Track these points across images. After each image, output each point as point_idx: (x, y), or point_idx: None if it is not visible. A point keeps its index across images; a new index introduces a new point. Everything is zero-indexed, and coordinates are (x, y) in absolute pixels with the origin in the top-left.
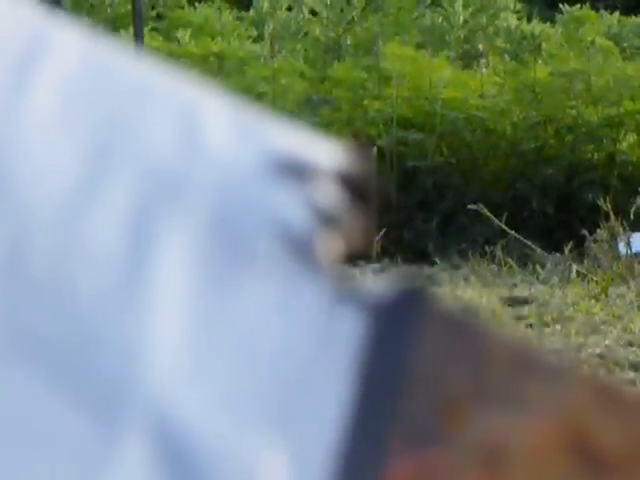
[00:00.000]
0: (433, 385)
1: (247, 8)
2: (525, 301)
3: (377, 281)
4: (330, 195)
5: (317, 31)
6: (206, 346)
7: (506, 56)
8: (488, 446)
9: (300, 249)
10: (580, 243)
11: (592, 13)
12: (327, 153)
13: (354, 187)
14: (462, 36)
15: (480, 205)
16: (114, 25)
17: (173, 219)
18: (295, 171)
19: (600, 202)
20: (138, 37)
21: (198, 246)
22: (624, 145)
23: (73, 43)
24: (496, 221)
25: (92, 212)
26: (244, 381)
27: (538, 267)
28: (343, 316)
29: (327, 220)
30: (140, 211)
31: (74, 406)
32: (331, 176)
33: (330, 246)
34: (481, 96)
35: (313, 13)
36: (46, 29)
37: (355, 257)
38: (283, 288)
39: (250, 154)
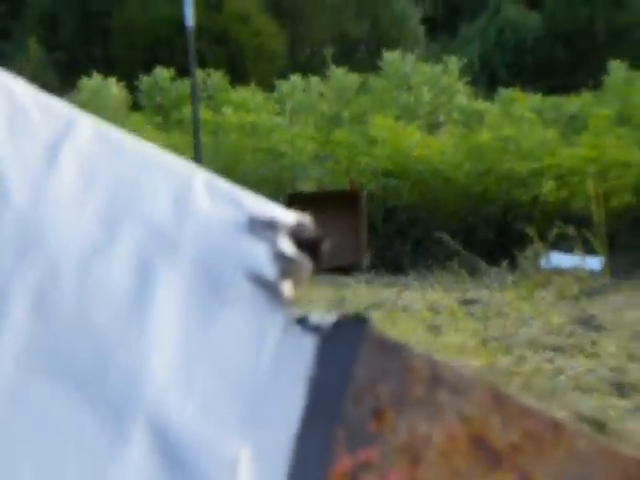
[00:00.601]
0: (368, 396)
1: (273, 90)
2: (474, 301)
3: (326, 311)
4: (288, 246)
5: (323, 107)
6: (192, 364)
7: (460, 125)
8: (411, 444)
9: (267, 288)
10: (513, 260)
11: (521, 94)
12: (285, 216)
13: (305, 240)
14: (428, 111)
15: (441, 232)
16: (178, 103)
17: (169, 265)
18: (262, 227)
19: (527, 230)
20: (195, 112)
21: (187, 285)
22: (545, 189)
23: (89, 125)
24: (453, 244)
25: (106, 259)
26: (222, 392)
27: (484, 277)
28: (298, 339)
29: (287, 265)
30: (143, 259)
31: (91, 411)
32: (288, 232)
33: (289, 285)
34: (442, 154)
35: (320, 94)
36: (68, 116)
37: (351, 269)
38: (253, 318)
39: (228, 214)
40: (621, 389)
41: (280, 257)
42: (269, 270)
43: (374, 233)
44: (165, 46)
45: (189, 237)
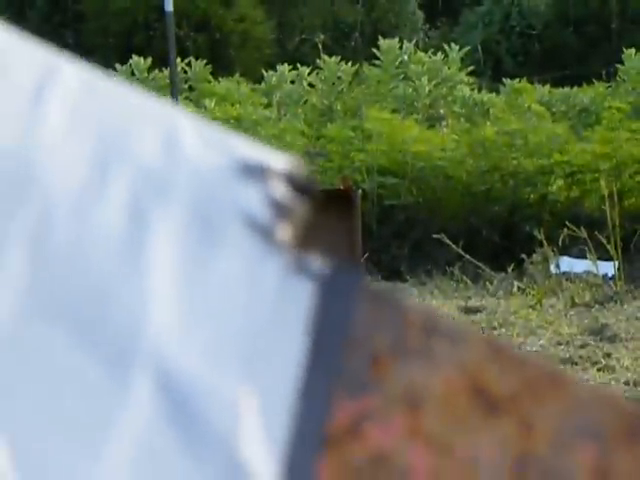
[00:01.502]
0: (365, 344)
1: (259, 82)
2: (477, 310)
3: (321, 257)
4: (282, 191)
5: (314, 99)
6: (191, 305)
7: (462, 119)
8: (409, 392)
9: (261, 233)
10: (520, 265)
11: (528, 85)
12: (278, 160)
13: (298, 185)
14: (427, 103)
15: (442, 235)
16: (156, 95)
17: (162, 207)
18: (255, 172)
19: (535, 233)
20: (174, 104)
21: (182, 229)
22: (554, 188)
23: (76, 73)
24: (454, 247)
25: (99, 202)
26: (222, 333)
27: (487, 283)
28: (296, 285)
29: (281, 209)
30: (137, 202)
31: (92, 352)
32: (282, 177)
33: (284, 230)
34: (442, 150)
35: (311, 85)
36: (55, 62)
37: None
38: (249, 262)
39: (219, 160)
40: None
41: (273, 201)
42: (263, 214)
43: (369, 235)
44: (142, 33)
45: (180, 182)
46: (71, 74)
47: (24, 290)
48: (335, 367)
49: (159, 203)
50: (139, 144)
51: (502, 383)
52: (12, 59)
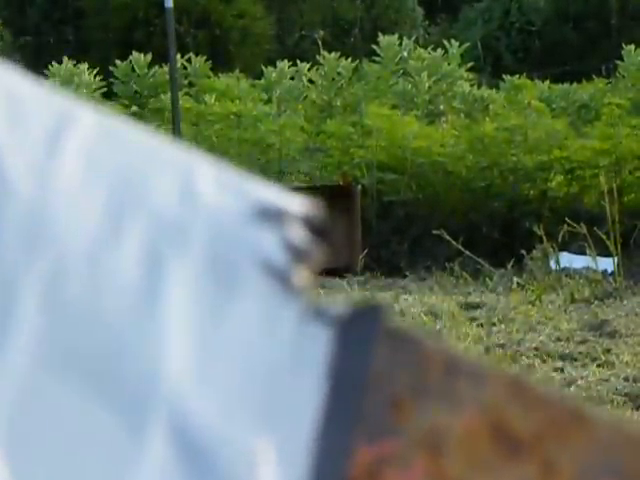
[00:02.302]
0: (385, 387)
1: (259, 77)
2: (477, 306)
3: (340, 300)
4: (298, 234)
5: (314, 95)
6: (208, 354)
7: (461, 115)
8: (430, 435)
9: (278, 277)
10: (519, 261)
11: (528, 81)
12: (295, 203)
13: (314, 228)
14: (427, 99)
15: (442, 231)
16: (155, 91)
17: (178, 255)
18: (271, 216)
19: (535, 228)
20: (174, 100)
21: (198, 276)
22: (553, 184)
23: (91, 120)
24: (454, 243)
25: (114, 250)
26: (239, 381)
27: (487, 279)
28: (314, 330)
29: (297, 253)
30: (152, 249)
31: (107, 406)
32: (298, 220)
33: (301, 274)
34: (442, 146)
35: (311, 81)
36: (68, 106)
37: (344, 271)
38: (266, 308)
39: (235, 204)
40: (637, 401)
41: (290, 246)
42: (280, 259)
43: (368, 231)
44: (142, 29)
45: (197, 228)
46: (86, 121)
47: (38, 342)
48: (354, 412)
49: (175, 251)
50: (155, 191)
51: (525, 423)
52: (27, 106)
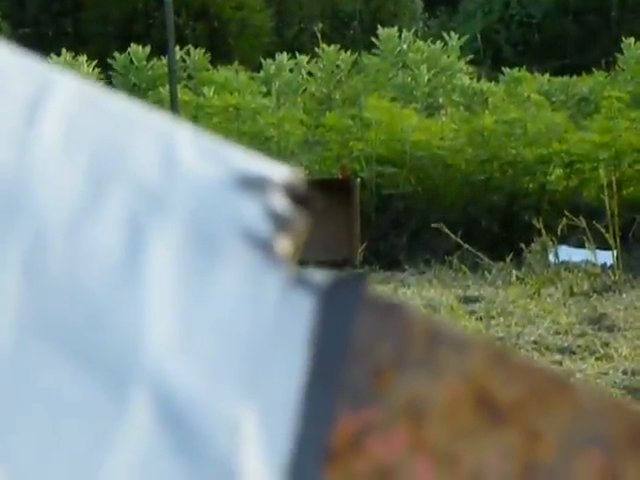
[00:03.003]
0: (367, 356)
1: (258, 70)
2: (476, 299)
3: (322, 270)
4: (280, 203)
5: (313, 88)
6: (190, 325)
7: (461, 108)
8: (412, 404)
9: (260, 246)
10: (518, 254)
11: (528, 74)
12: (277, 171)
13: (297, 196)
14: (426, 92)
15: (441, 224)
16: (154, 83)
17: (159, 223)
18: (254, 185)
19: (534, 222)
20: (173, 93)
21: (179, 245)
22: (553, 177)
23: (71, 85)
24: (453, 237)
25: (95, 219)
26: (222, 350)
27: (486, 273)
28: (297, 298)
29: (280, 222)
30: (133, 218)
31: (90, 375)
32: (281, 188)
33: (284, 242)
34: (441, 139)
35: (310, 74)
36: (50, 76)
37: (343, 264)
38: (249, 277)
39: (217, 172)
40: (636, 394)
41: (273, 214)
42: (262, 228)
43: (367, 224)
44: (141, 21)
45: (178, 197)
46: (66, 89)
47: (20, 314)
48: (337, 380)
49: (156, 219)
50: (136, 159)
51: (507, 391)
52: (7, 75)
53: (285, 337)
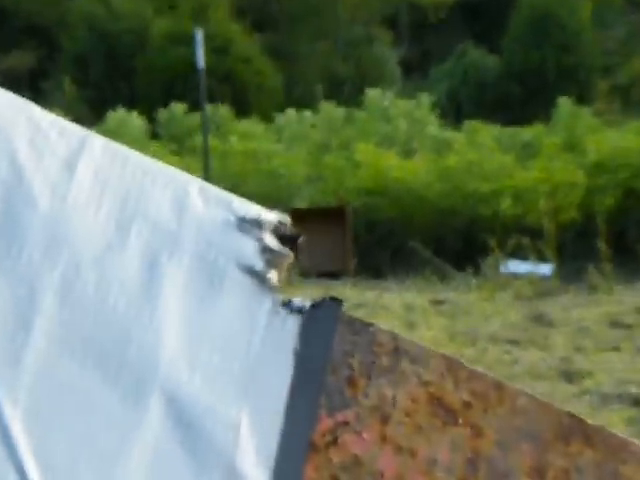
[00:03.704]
0: (342, 366)
1: (272, 122)
2: (444, 302)
3: (305, 294)
4: (273, 240)
5: (315, 136)
6: (197, 342)
7: (431, 151)
8: (380, 406)
9: (256, 277)
10: (477, 266)
11: (483, 125)
12: (268, 215)
13: (286, 235)
14: (404, 139)
15: (416, 243)
16: (190, 133)
17: (173, 257)
18: (250, 225)
19: (489, 241)
20: (205, 140)
21: (189, 276)
22: (504, 206)
23: (102, 146)
24: (426, 252)
25: (119, 255)
26: (222, 365)
27: (452, 281)
28: (284, 319)
29: (272, 256)
30: (151, 254)
31: (113, 385)
32: (272, 229)
33: (274, 273)
34: (415, 176)
35: (312, 125)
36: (81, 134)
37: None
38: (245, 302)
39: (220, 215)
40: (568, 376)
41: (266, 250)
42: (257, 261)
43: (358, 243)
44: (180, 84)
45: (188, 235)
46: (98, 146)
47: (56, 328)
48: (318, 387)
49: (170, 254)
50: (154, 204)
51: (456, 395)
52: (48, 134)
53: (274, 351)
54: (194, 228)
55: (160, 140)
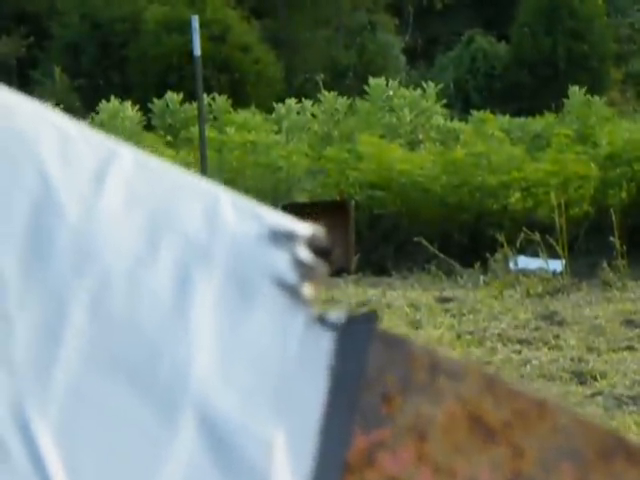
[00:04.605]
0: (377, 383)
1: (271, 112)
2: (450, 299)
3: (341, 307)
4: (305, 254)
5: (316, 127)
6: (230, 358)
7: (437, 143)
8: (416, 424)
9: (289, 291)
10: (485, 262)
11: (491, 116)
12: (302, 227)
13: (318, 248)
14: (408, 130)
15: (421, 238)
16: (186, 124)
17: (204, 271)
18: (283, 238)
19: (497, 236)
20: (202, 131)
21: (221, 291)
22: (512, 200)
23: (131, 156)
24: (431, 248)
25: (151, 269)
26: (256, 382)
27: (458, 278)
28: (318, 335)
29: (305, 270)
30: (182, 267)
31: (145, 400)
32: (305, 241)
33: (308, 287)
34: (421, 168)
35: (313, 115)
36: (111, 146)
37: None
38: (278, 317)
39: (252, 228)
40: (580, 377)
41: (299, 263)
42: (290, 275)
43: (361, 238)
44: (175, 73)
45: (220, 249)
46: (126, 158)
47: (87, 344)
48: (352, 406)
49: (202, 267)
50: (184, 218)
51: (496, 413)
52: (78, 146)
53: (308, 367)
54: (226, 242)
55: (154, 131)
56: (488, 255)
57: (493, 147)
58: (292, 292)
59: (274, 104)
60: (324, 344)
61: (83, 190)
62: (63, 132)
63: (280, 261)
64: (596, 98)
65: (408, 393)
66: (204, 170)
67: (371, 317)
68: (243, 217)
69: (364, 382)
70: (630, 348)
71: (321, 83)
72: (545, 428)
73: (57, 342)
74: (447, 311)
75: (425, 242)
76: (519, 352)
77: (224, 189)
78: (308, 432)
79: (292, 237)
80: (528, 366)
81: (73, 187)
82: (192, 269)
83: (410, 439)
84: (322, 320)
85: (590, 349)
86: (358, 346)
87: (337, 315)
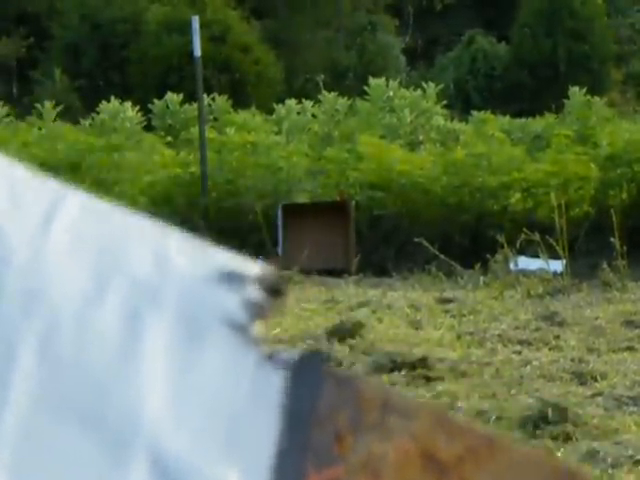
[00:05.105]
0: (329, 422)
1: (271, 113)
2: (450, 300)
3: (291, 348)
4: (255, 293)
5: (316, 127)
6: (181, 398)
7: (437, 143)
8: (369, 462)
9: (239, 330)
10: (485, 263)
11: (492, 116)
12: (252, 266)
13: (269, 287)
14: (409, 131)
15: (421, 239)
16: (186, 124)
17: (154, 311)
18: (232, 279)
19: (497, 237)
20: (202, 132)
21: (171, 331)
22: (513, 200)
23: (78, 201)
24: (431, 249)
25: (100, 311)
26: (207, 421)
27: (459, 278)
28: (269, 374)
29: (255, 310)
30: (132, 310)
31: (95, 442)
32: (255, 281)
33: (258, 326)
34: (421, 169)
35: (313, 116)
36: (59, 191)
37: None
38: (229, 357)
39: (202, 269)
40: (581, 378)
41: (249, 303)
42: (240, 315)
43: (361, 239)
44: (175, 74)
45: (169, 291)
46: (74, 200)
47: (36, 387)
48: (304, 444)
49: (151, 309)
50: (133, 259)
51: (448, 449)
52: (25, 190)
53: (260, 406)
54: (175, 283)
55: (155, 132)
56: (488, 256)
57: (493, 148)
58: (242, 332)
59: (274, 105)
60: (275, 383)
61: (30, 232)
62: (11, 176)
63: (229, 301)
64: (596, 99)
65: (359, 432)
66: (204, 170)
67: (322, 356)
68: (192, 258)
69: (316, 421)
70: (630, 349)
71: (321, 84)
72: (496, 464)
73: (6, 386)
74: (447, 312)
75: (425, 243)
76: (519, 353)
77: (172, 230)
78: (261, 471)
79: (242, 277)
80: (528, 367)
81: (21, 231)
82: (141, 310)
83: (363, 477)
84: (273, 359)
85: (590, 350)
86: (309, 385)
87: (288, 354)
